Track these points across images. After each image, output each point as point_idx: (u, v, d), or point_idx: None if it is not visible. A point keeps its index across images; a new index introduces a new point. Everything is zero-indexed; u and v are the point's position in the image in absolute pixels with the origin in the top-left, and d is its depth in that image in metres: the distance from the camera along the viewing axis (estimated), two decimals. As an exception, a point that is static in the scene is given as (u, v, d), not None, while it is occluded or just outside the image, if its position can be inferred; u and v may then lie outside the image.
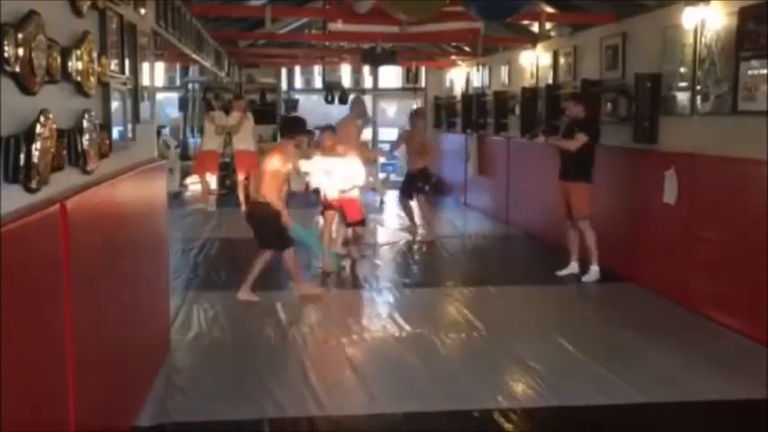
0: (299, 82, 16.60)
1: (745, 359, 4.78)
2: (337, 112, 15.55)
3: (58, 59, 2.49)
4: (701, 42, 5.80)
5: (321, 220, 7.66)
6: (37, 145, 2.21)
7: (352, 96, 11.36)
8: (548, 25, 8.39)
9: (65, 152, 2.57)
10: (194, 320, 5.45)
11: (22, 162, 2.15)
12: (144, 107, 4.14)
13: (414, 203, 9.24)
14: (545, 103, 8.92)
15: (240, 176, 11.23)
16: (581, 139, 6.60)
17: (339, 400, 4.07)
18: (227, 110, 11.70)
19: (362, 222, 7.56)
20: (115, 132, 3.40)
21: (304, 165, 7.31)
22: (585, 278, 6.77)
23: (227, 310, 5.76)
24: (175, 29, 5.95)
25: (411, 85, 16.17)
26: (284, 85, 15.60)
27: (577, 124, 6.77)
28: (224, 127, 11.28)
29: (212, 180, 11.79)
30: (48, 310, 2.40)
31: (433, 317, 5.78)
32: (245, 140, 11.13)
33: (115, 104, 3.40)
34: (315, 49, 13.14)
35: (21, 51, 2.12)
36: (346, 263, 7.44)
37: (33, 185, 2.24)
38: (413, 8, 6.47)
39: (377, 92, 16.27)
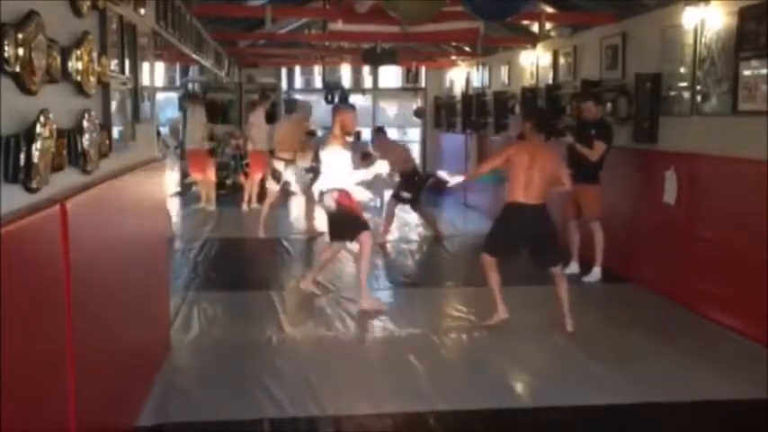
0: (299, 82, 16.61)
1: (745, 359, 4.78)
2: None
3: (58, 59, 2.48)
4: (700, 42, 5.80)
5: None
6: (37, 145, 2.21)
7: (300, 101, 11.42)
8: (548, 25, 8.39)
9: (65, 152, 2.57)
10: (194, 320, 5.44)
11: (22, 162, 2.15)
12: (144, 107, 4.14)
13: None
14: (545, 103, 8.92)
15: (256, 177, 11.17)
16: (600, 147, 6.57)
17: (339, 400, 4.07)
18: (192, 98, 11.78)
19: None
20: (115, 132, 3.40)
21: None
22: (587, 278, 6.77)
23: (227, 310, 5.76)
24: (175, 29, 5.94)
25: (411, 85, 16.18)
26: (284, 85, 15.60)
27: (594, 127, 6.71)
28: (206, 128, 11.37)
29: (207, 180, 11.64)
30: (48, 310, 2.40)
31: (433, 317, 5.78)
32: (260, 141, 11.03)
33: (115, 104, 3.40)
34: (315, 49, 13.15)
35: (21, 51, 2.12)
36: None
37: (33, 185, 2.24)
38: (413, 8, 6.47)
39: (377, 92, 16.27)
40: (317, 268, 6.36)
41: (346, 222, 5.86)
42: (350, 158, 5.91)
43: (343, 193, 5.80)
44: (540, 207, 5.17)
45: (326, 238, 6.30)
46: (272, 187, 9.16)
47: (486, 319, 5.41)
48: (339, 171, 5.78)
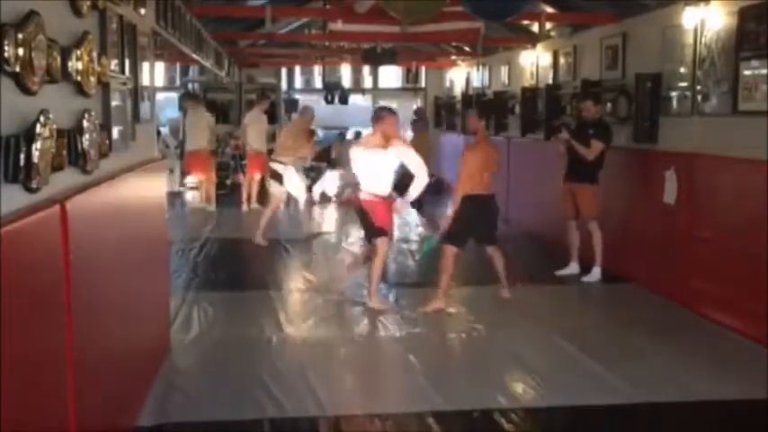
0: (299, 82, 16.63)
1: (745, 359, 4.78)
2: (337, 111, 15.63)
3: (58, 59, 2.48)
4: (701, 42, 5.80)
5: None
6: (37, 145, 2.21)
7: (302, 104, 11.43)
8: (548, 25, 8.40)
9: (65, 152, 2.57)
10: (194, 320, 5.44)
11: (22, 162, 2.15)
12: (144, 107, 4.14)
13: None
14: (545, 103, 8.92)
15: (256, 177, 11.12)
16: (597, 147, 6.58)
17: (339, 400, 4.07)
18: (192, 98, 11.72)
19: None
20: (115, 132, 3.40)
21: None
22: (586, 278, 6.77)
23: (227, 310, 5.76)
24: (175, 29, 5.95)
25: (411, 85, 16.20)
26: (284, 85, 15.60)
27: (592, 126, 6.72)
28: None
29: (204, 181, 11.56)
30: (48, 310, 2.40)
31: (433, 317, 5.77)
32: (257, 141, 10.97)
33: (115, 104, 3.40)
34: (315, 49, 13.16)
35: (21, 51, 2.12)
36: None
37: (33, 185, 2.24)
38: (412, 8, 6.47)
39: (377, 92, 16.28)
40: (358, 265, 6.35)
41: (368, 225, 5.90)
42: (392, 161, 5.83)
43: (380, 200, 5.80)
44: (493, 196, 6.00)
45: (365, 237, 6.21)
46: (276, 192, 8.87)
47: (426, 305, 5.78)
48: (377, 174, 5.78)
